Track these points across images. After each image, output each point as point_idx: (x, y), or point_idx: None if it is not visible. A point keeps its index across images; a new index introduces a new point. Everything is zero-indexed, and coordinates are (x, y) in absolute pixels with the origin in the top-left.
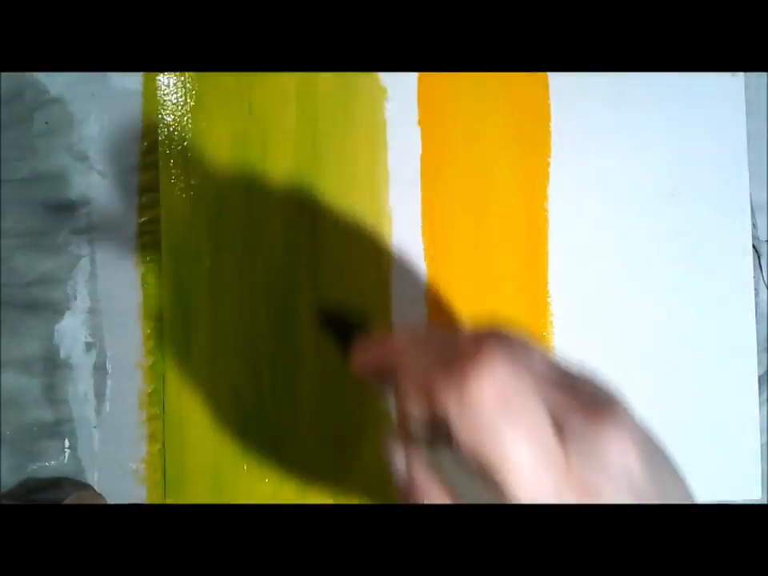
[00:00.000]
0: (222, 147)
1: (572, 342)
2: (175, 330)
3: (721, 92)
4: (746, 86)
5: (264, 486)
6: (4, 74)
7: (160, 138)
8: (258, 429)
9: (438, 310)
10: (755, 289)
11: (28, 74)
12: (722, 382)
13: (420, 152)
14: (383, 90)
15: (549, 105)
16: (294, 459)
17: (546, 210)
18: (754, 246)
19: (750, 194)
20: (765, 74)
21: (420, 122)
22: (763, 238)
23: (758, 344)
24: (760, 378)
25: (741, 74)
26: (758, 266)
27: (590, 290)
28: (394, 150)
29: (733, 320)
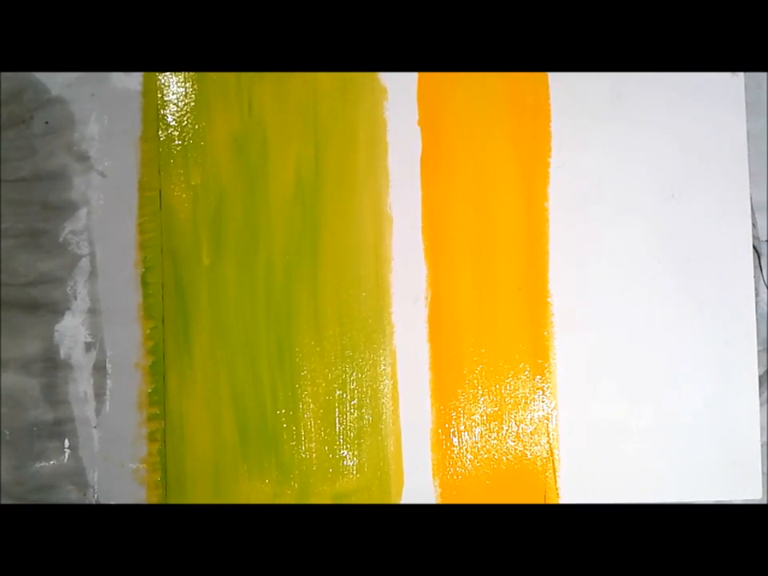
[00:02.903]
0: (221, 147)
1: (572, 341)
2: (175, 330)
3: (721, 92)
4: (746, 86)
5: (264, 486)
6: (4, 74)
7: (160, 139)
8: (258, 429)
9: (437, 310)
10: (755, 289)
11: (28, 74)
12: (723, 382)
13: (420, 152)
14: (383, 90)
15: (549, 105)
16: (294, 459)
17: (546, 210)
18: (754, 246)
19: (750, 194)
20: (765, 74)
21: (420, 122)
22: (763, 237)
23: (758, 344)
24: (760, 377)
25: (741, 74)
26: (758, 266)
27: (590, 289)
28: (394, 149)
29: (733, 320)
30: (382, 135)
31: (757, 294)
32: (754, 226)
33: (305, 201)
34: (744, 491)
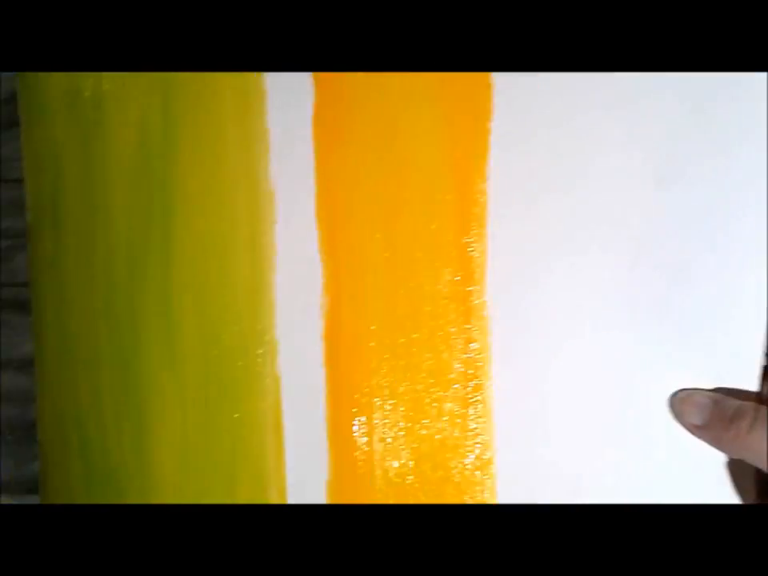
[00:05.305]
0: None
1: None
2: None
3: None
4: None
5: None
6: (4, 74)
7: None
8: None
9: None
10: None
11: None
12: (723, 382)
13: (312, 105)
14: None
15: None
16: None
17: (484, 194)
18: None
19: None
20: (765, 73)
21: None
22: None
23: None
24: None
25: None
26: None
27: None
28: (274, 100)
29: (735, 320)
30: (257, 80)
31: None
32: None
33: (153, 172)
34: None
